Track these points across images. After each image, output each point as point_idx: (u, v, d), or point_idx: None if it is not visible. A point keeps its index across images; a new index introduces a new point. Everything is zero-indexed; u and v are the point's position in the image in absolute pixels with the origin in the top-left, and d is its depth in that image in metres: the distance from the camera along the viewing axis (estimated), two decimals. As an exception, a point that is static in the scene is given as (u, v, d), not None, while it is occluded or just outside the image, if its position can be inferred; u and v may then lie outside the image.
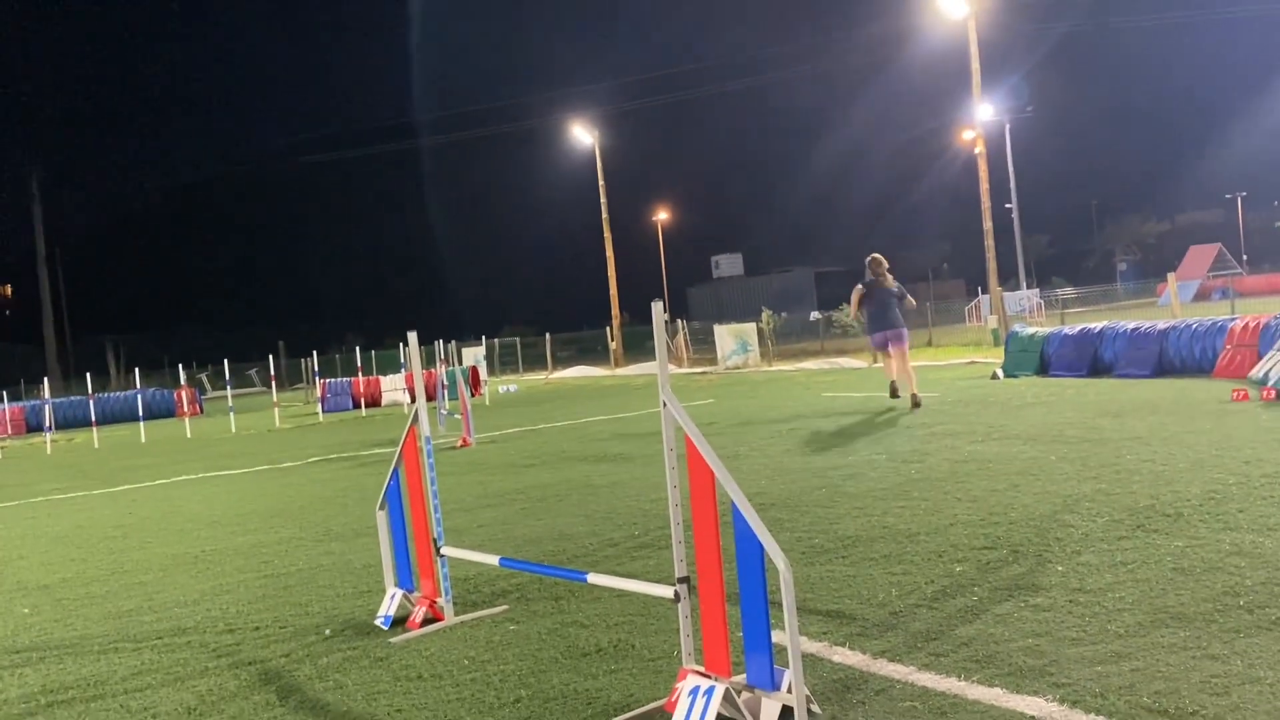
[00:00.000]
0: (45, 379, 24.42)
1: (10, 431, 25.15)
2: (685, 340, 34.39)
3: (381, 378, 26.94)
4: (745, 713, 3.14)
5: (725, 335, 28.76)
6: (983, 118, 28.36)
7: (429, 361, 39.24)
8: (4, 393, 25.74)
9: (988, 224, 26.73)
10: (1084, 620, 3.85)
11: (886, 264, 13.00)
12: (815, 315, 35.64)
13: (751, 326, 29.12)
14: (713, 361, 28.96)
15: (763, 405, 14.94)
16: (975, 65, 26.43)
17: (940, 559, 4.98)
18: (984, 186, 26.67)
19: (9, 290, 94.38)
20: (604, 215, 39.86)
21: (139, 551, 7.23)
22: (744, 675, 3.22)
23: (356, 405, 24.79)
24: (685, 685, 3.23)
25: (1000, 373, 16.12)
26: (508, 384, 31.37)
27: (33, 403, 28.32)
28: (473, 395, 21.24)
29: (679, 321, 36.25)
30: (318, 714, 3.62)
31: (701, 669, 3.30)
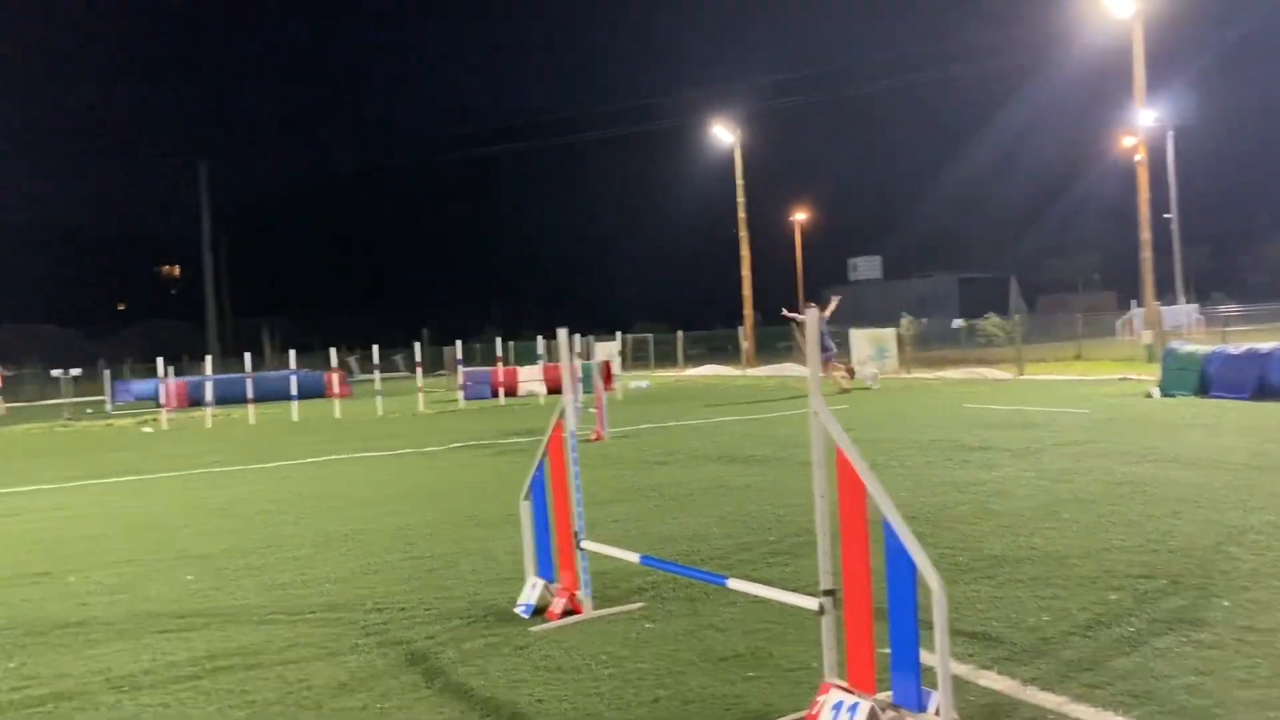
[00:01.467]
0: (208, 357, 25.86)
1: (175, 404, 26.71)
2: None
3: (519, 368, 27.48)
4: (889, 732, 3.08)
5: (862, 340, 28.26)
6: (1145, 124, 27.01)
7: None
8: (170, 367, 27.36)
9: (1145, 234, 25.47)
10: (1254, 661, 3.63)
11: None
12: (958, 323, 34.65)
13: (890, 332, 28.53)
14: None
15: (901, 414, 14.62)
16: (1139, 68, 25.19)
17: (1093, 585, 4.78)
18: (1143, 195, 25.42)
19: (177, 271, 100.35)
20: (740, 215, 39.71)
21: (292, 527, 7.59)
22: (889, 693, 3.16)
23: (495, 394, 25.36)
24: (828, 699, 3.19)
25: (1156, 391, 15.34)
26: (639, 380, 31.59)
27: (195, 378, 30.00)
28: (605, 390, 21.47)
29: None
30: (462, 699, 3.73)
31: (845, 684, 3.25)
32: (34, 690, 4.08)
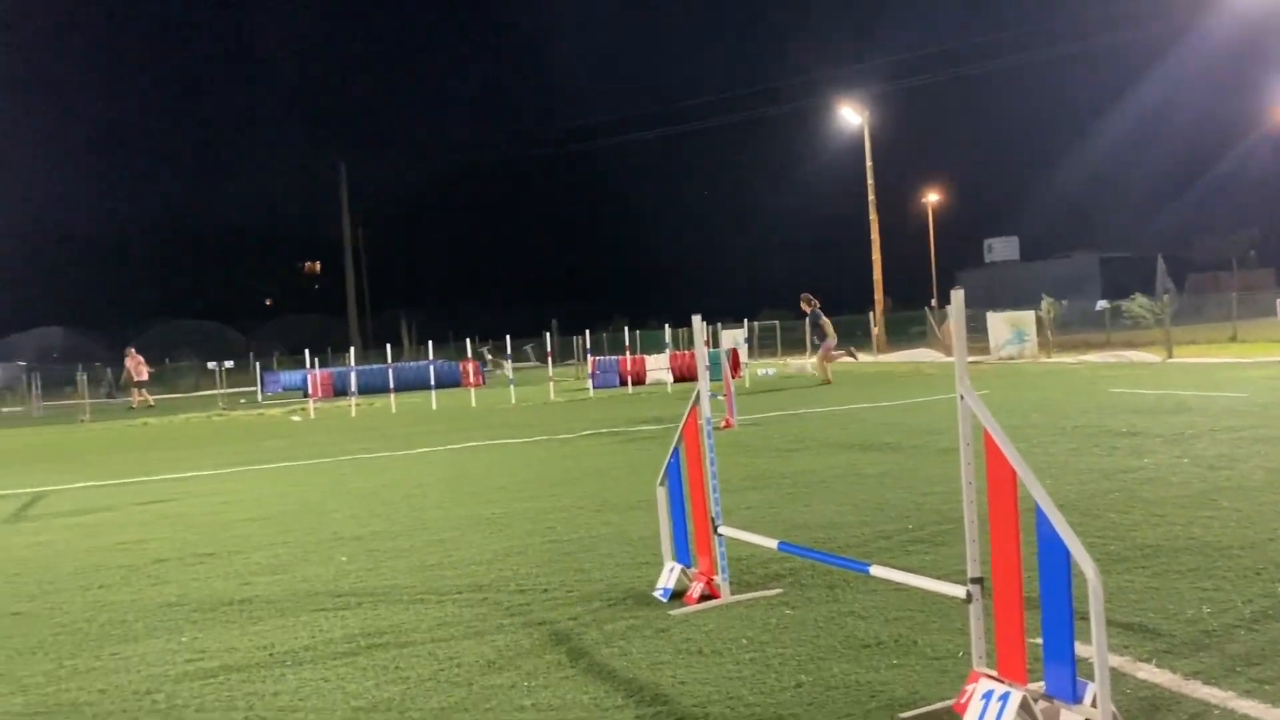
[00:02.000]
0: (351, 348, 26.93)
1: (321, 394, 27.91)
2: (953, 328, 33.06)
3: (646, 357, 27.68)
4: (1043, 723, 3.01)
5: (1000, 323, 27.39)
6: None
7: (691, 343, 39.99)
8: (316, 359, 28.59)
9: (1311, 206, 23.85)
10: None
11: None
12: (1102, 304, 33.22)
13: (1029, 314, 27.55)
14: (984, 350, 27.67)
15: (1042, 399, 14.13)
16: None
17: (1258, 577, 4.54)
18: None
19: (319, 267, 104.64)
20: (870, 197, 38.97)
21: (436, 510, 7.85)
22: (1041, 684, 3.08)
23: (623, 382, 25.63)
24: (977, 688, 3.13)
25: (1323, 373, 14.40)
26: (766, 367, 31.39)
27: (339, 369, 31.28)
28: (733, 377, 21.42)
29: (948, 308, 34.89)
30: (606, 679, 3.80)
31: (994, 673, 3.18)
32: (205, 663, 4.35)
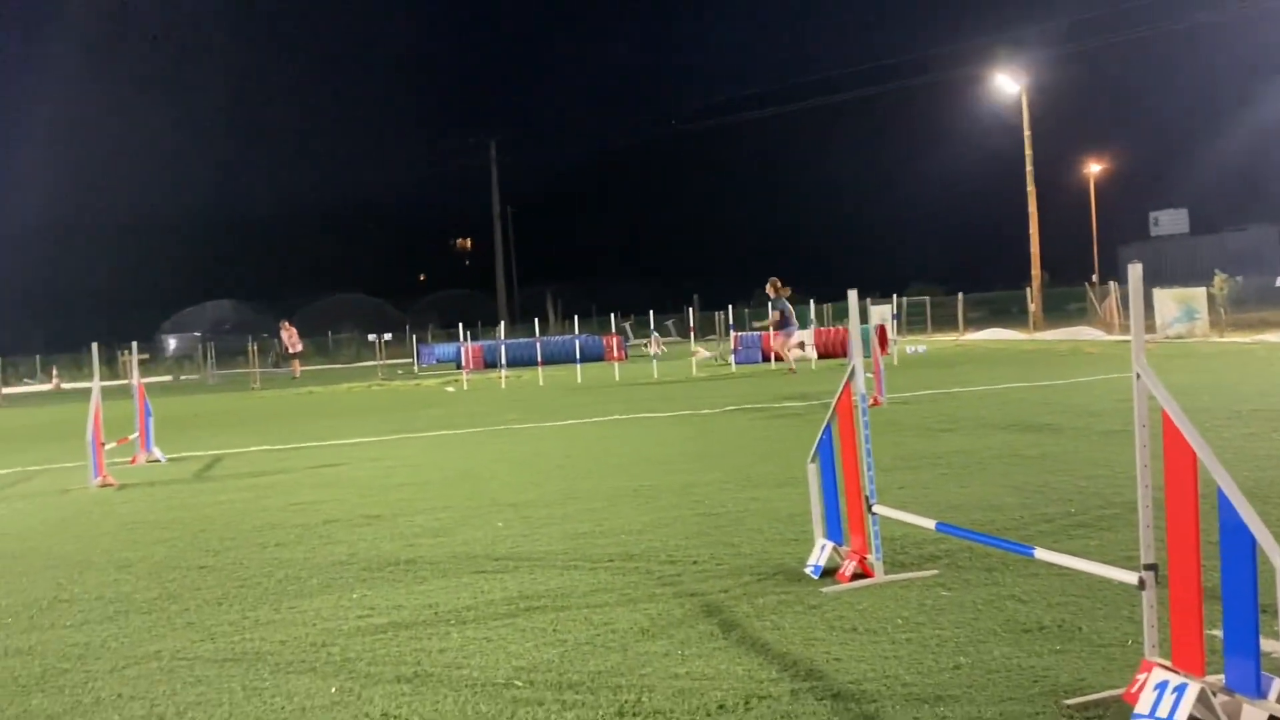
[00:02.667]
0: (500, 322, 27.69)
1: (472, 366, 28.80)
2: (1116, 304, 31.52)
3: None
4: (1223, 716, 2.87)
5: (1167, 300, 25.97)
6: None
7: (837, 319, 39.32)
8: (468, 332, 29.50)
9: None
10: None
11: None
12: (1282, 280, 31.05)
13: (1201, 291, 26.02)
14: (1150, 329, 26.30)
15: (1215, 381, 13.35)
16: None
17: None
18: None
19: (469, 244, 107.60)
20: (1028, 168, 37.40)
21: (586, 480, 8.02)
22: (1220, 677, 2.94)
23: (765, 359, 25.48)
24: (1151, 678, 3.01)
25: None
26: (915, 344, 30.64)
27: (488, 342, 32.20)
28: (881, 354, 21.03)
29: (1110, 284, 33.27)
30: (759, 652, 3.83)
31: (1168, 664, 3.06)
32: (375, 619, 4.58)
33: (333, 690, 3.69)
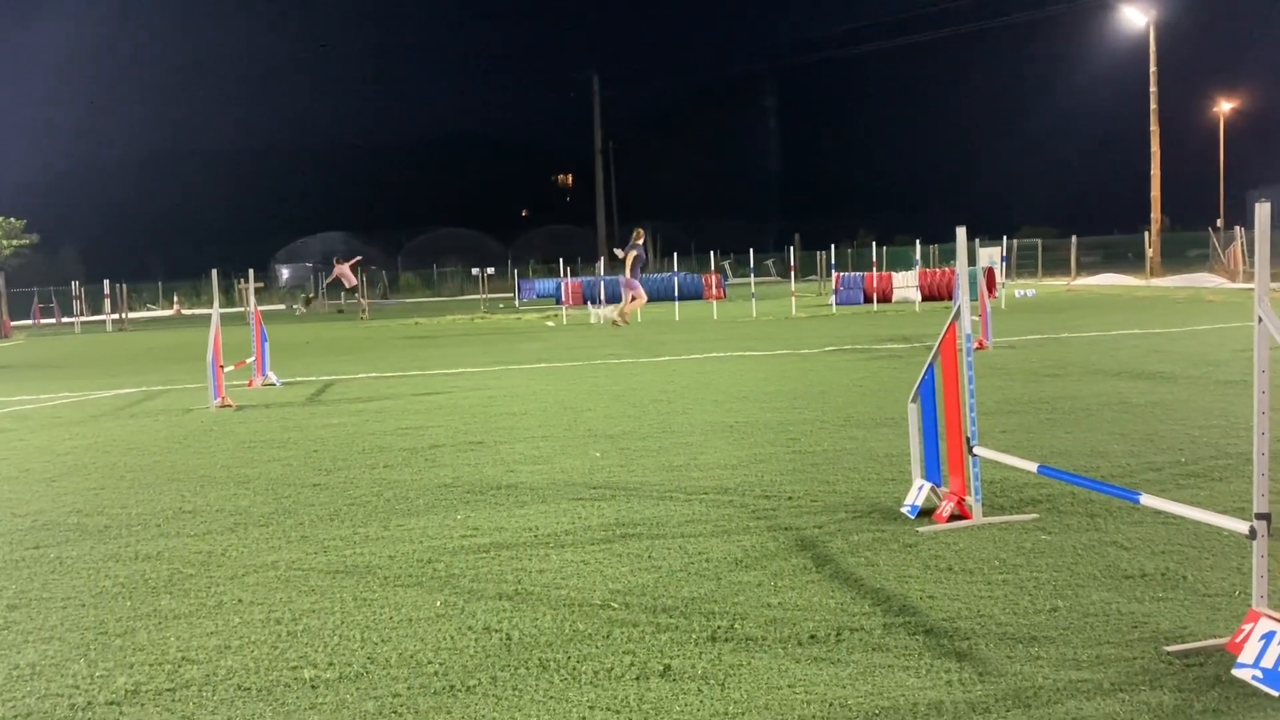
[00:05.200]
0: (600, 259, 27.83)
1: (571, 302, 29.07)
2: (1241, 250, 30.00)
3: (893, 274, 26.93)
4: (1332, 671, 2.80)
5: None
6: None
7: (943, 260, 38.37)
8: (568, 268, 29.74)
9: None
10: None
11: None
12: None
13: (1336, 238, 24.56)
14: (1277, 278, 25.00)
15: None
16: None
17: None
18: None
19: (570, 179, 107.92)
20: (1153, 105, 35.61)
21: (682, 416, 8.09)
22: (1332, 631, 2.86)
23: (868, 300, 25.10)
24: (1258, 628, 2.94)
25: None
26: (1025, 288, 29.75)
27: (588, 279, 32.41)
28: (988, 297, 20.50)
29: (1236, 229, 31.65)
30: (852, 587, 3.85)
31: (1276, 615, 2.98)
32: (478, 539, 4.75)
33: (438, 604, 3.85)
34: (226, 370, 10.37)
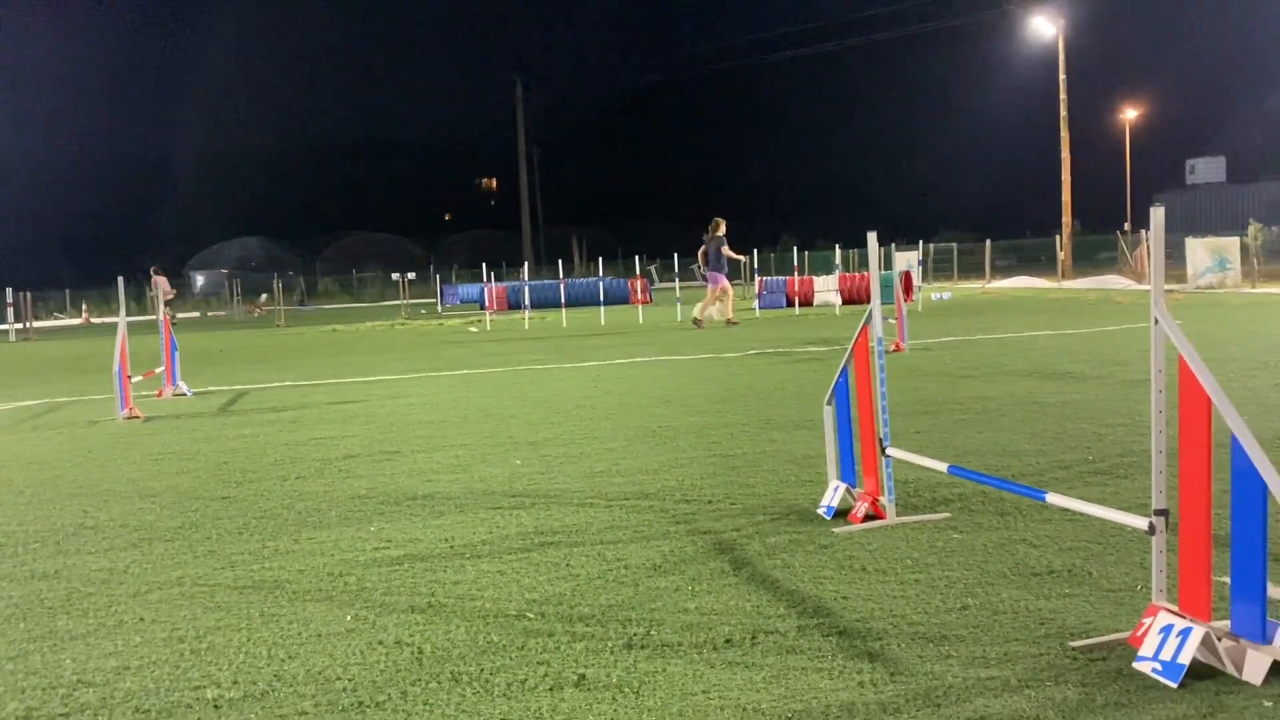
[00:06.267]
0: (525, 263, 27.69)
1: (496, 307, 28.86)
2: (1147, 253, 31.06)
3: (814, 278, 27.29)
4: (1226, 661, 2.89)
5: (1199, 250, 25.58)
6: None
7: (863, 264, 38.99)
8: (492, 273, 29.51)
9: None
10: None
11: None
12: (1318, 232, 30.48)
13: (1234, 241, 25.61)
14: (1181, 279, 25.94)
15: (1244, 332, 13.19)
16: None
17: None
18: None
19: (494, 184, 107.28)
20: (1063, 113, 36.70)
21: (605, 421, 8.06)
22: (1225, 622, 2.95)
23: (790, 304, 25.39)
24: (1156, 622, 3.02)
25: None
26: (941, 291, 30.39)
27: (513, 283, 32.22)
28: (905, 301, 20.88)
29: (1141, 232, 32.78)
30: (768, 589, 3.86)
31: (1175, 608, 3.06)
32: (392, 551, 4.65)
33: (348, 618, 3.76)
34: (134, 380, 10.04)
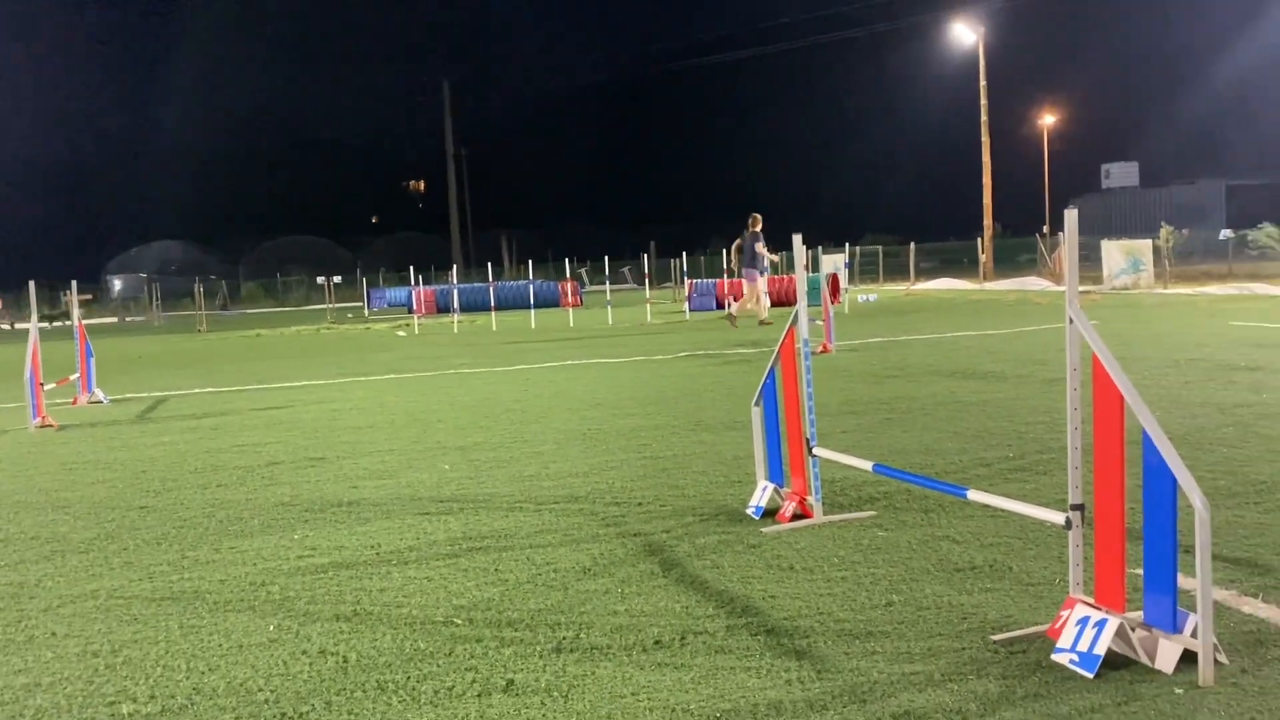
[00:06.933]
0: (454, 266, 27.43)
1: (424, 311, 28.53)
2: (1064, 255, 31.95)
3: (743, 281, 27.49)
4: (1140, 651, 2.97)
5: (1114, 251, 26.37)
6: None
7: (790, 267, 39.49)
8: (419, 276, 29.18)
9: None
10: None
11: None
12: (1226, 234, 31.61)
13: (1146, 243, 26.45)
14: (1097, 280, 26.71)
15: (1156, 331, 13.62)
16: None
17: (1381, 518, 4.35)
18: None
19: (422, 186, 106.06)
20: (983, 118, 37.53)
21: (535, 425, 8.02)
22: (1139, 613, 3.03)
23: (720, 306, 25.54)
24: (1073, 614, 3.10)
25: None
26: (867, 293, 30.87)
27: (442, 287, 31.91)
28: (832, 303, 21.14)
29: (1060, 235, 33.68)
30: (697, 590, 3.88)
31: (1091, 600, 3.14)
32: (316, 559, 4.57)
33: (271, 628, 3.68)
34: (47, 388, 9.72)
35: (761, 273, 18.64)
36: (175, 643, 3.59)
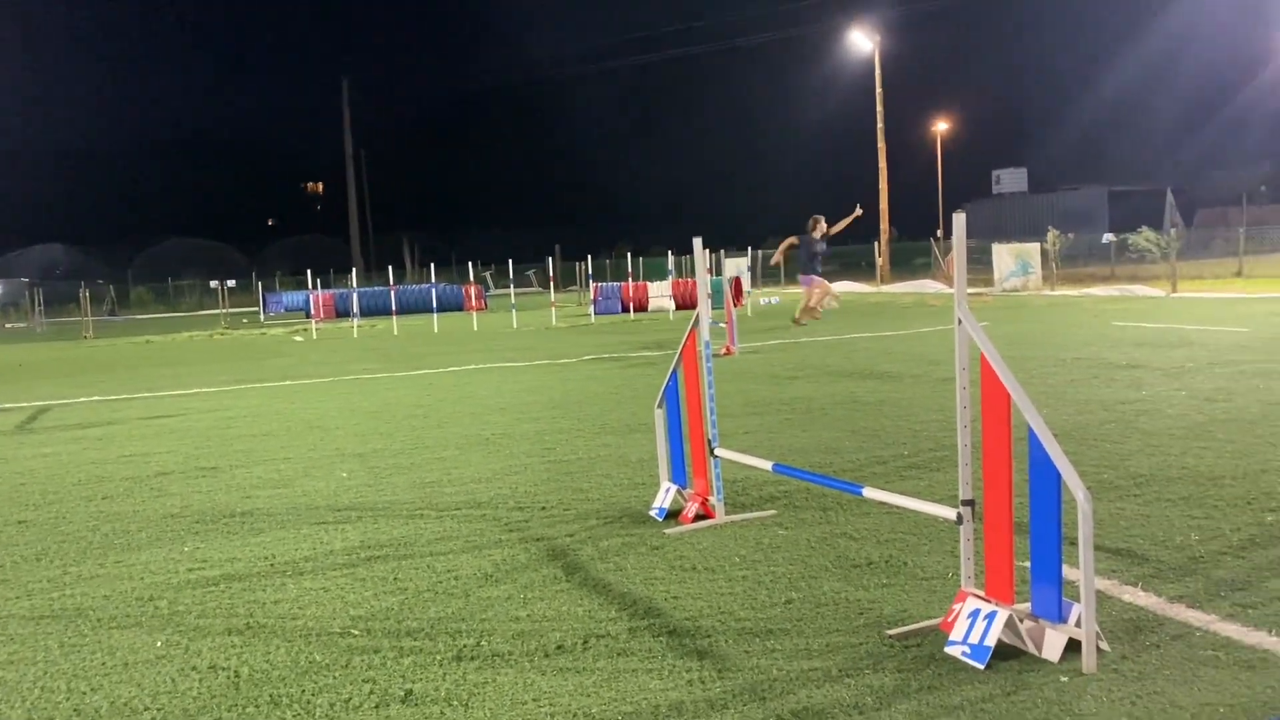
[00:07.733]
0: (354, 270, 26.88)
1: (323, 315, 27.91)
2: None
3: (648, 284, 27.62)
4: (1028, 641, 3.07)
5: (1004, 254, 27.28)
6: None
7: (693, 270, 39.85)
8: (318, 280, 28.55)
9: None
10: None
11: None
12: (1108, 238, 32.95)
13: (1034, 247, 27.43)
14: (988, 282, 27.60)
15: (1044, 331, 14.12)
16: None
17: (1249, 506, 4.59)
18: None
19: (320, 188, 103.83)
20: (879, 125, 38.45)
21: (438, 430, 7.91)
22: (1027, 604, 3.13)
23: (625, 309, 25.61)
24: (964, 607, 3.18)
25: (1327, 310, 14.36)
26: (769, 296, 31.31)
27: (341, 291, 31.24)
28: (735, 306, 21.37)
29: (953, 239, 34.69)
30: (600, 593, 3.87)
31: (981, 594, 3.24)
32: (207, 572, 4.42)
33: (158, 644, 3.55)
34: (-85, 398, 9.20)
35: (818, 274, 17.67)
36: (55, 662, 3.43)
